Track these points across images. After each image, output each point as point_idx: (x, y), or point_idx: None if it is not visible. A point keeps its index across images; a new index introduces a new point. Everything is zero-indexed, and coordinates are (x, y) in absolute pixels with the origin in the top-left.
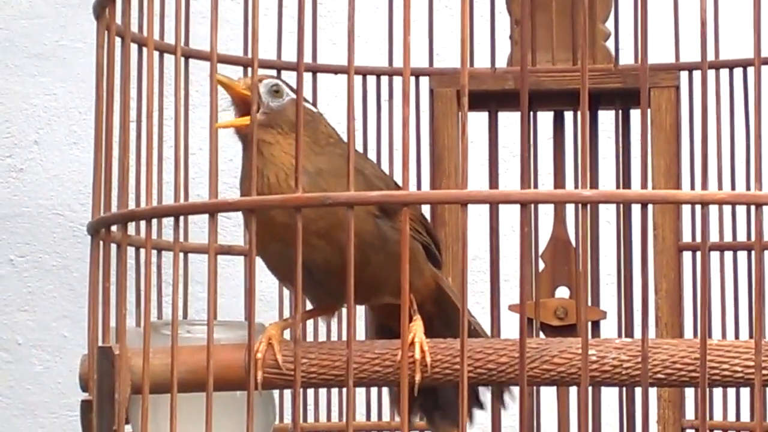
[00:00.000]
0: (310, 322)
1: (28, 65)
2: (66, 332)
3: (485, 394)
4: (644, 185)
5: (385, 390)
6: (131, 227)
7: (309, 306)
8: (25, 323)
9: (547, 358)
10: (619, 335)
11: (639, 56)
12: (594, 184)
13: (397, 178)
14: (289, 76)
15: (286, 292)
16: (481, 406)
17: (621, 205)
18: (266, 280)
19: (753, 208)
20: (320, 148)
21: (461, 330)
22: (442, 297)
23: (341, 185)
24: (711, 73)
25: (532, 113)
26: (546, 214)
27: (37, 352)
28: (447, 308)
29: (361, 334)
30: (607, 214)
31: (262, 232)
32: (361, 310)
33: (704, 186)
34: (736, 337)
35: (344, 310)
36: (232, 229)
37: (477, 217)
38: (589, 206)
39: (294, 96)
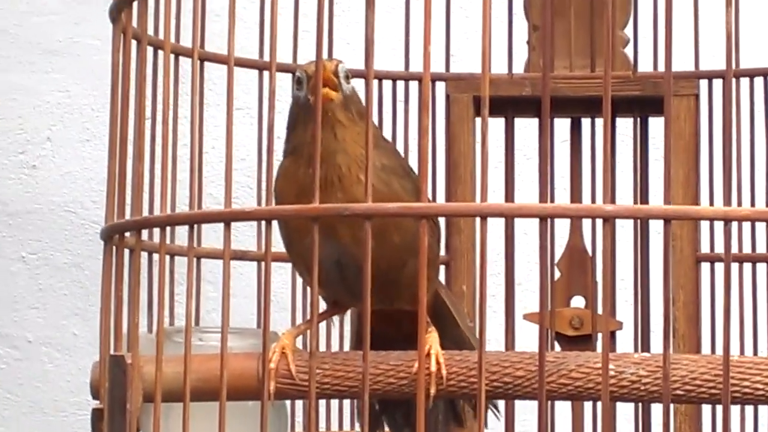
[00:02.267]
0: (322, 328)
1: (42, 61)
2: (76, 330)
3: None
4: (667, 200)
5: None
6: (144, 231)
7: (321, 305)
8: (36, 320)
9: (565, 372)
10: (635, 346)
11: (658, 63)
12: (613, 195)
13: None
14: None
15: (299, 294)
16: (459, 422)
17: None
18: (279, 281)
19: None
20: (379, 143)
21: (479, 341)
22: (438, 304)
23: (402, 185)
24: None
25: (549, 120)
26: (562, 223)
27: (47, 349)
28: (441, 317)
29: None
30: (622, 221)
31: (300, 226)
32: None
33: (727, 202)
34: (755, 351)
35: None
36: (245, 229)
37: (490, 221)
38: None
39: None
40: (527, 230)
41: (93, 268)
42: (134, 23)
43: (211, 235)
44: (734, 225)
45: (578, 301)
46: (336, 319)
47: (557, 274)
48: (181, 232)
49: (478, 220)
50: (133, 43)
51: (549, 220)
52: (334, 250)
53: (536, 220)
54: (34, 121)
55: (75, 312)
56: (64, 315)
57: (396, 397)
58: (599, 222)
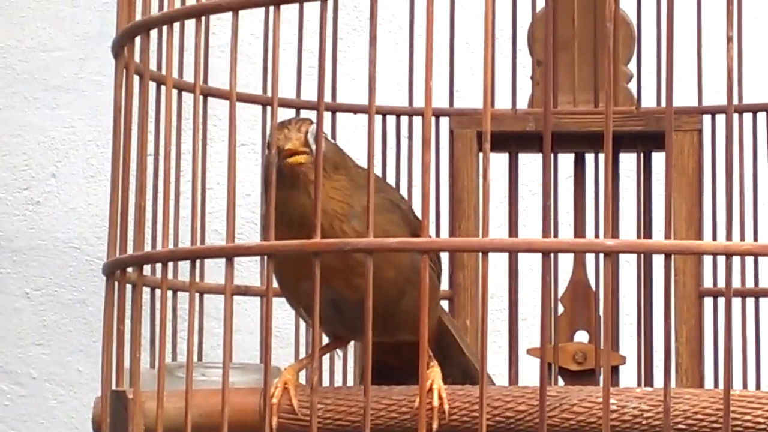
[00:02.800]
0: (325, 362)
1: (47, 98)
2: (80, 366)
3: None
4: (668, 236)
5: None
6: (146, 267)
7: (324, 339)
8: (40, 357)
9: (567, 406)
10: (639, 380)
11: (662, 98)
12: (615, 230)
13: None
14: (309, 115)
15: (302, 329)
16: None
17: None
18: (282, 317)
19: None
20: (358, 186)
21: (480, 376)
22: (441, 332)
23: (388, 220)
24: (734, 117)
25: (552, 155)
26: (566, 257)
27: (51, 386)
28: (446, 344)
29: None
30: (625, 256)
31: (297, 271)
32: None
33: (729, 237)
34: (758, 386)
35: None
36: (248, 264)
37: (494, 256)
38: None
39: (327, 138)
40: (532, 265)
41: (97, 304)
42: (137, 58)
43: (215, 271)
44: (736, 260)
45: (582, 336)
46: (339, 351)
47: (561, 309)
48: (184, 267)
49: (480, 255)
50: (136, 78)
51: (552, 255)
52: (329, 293)
53: (540, 254)
54: (39, 158)
55: (79, 348)
56: (69, 351)
57: None
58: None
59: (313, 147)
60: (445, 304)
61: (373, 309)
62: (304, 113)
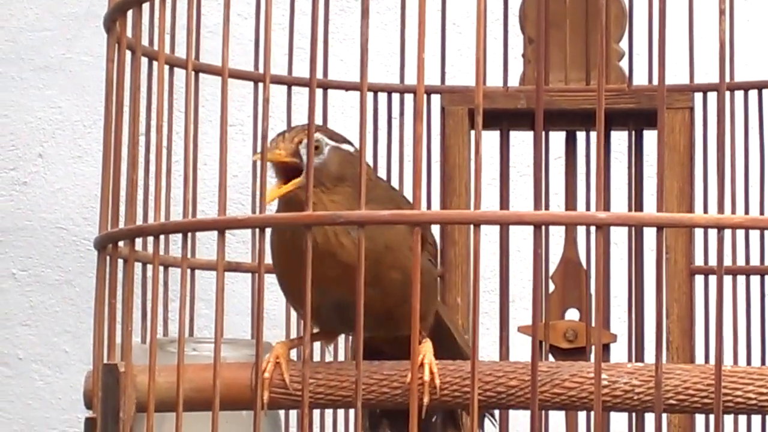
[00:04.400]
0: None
1: (34, 78)
2: (67, 347)
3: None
4: (660, 208)
5: None
6: (138, 242)
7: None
8: (27, 338)
9: (558, 381)
10: (630, 359)
11: (653, 77)
12: (607, 206)
13: (408, 195)
14: (300, 92)
15: (293, 311)
16: (457, 427)
17: (633, 228)
18: (273, 299)
19: None
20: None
21: (472, 350)
22: (439, 326)
23: (389, 229)
24: (726, 95)
25: (544, 133)
26: (557, 235)
27: (38, 367)
28: (441, 337)
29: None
30: (617, 236)
31: (290, 252)
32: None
33: (720, 210)
34: (748, 362)
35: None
36: (237, 245)
37: (483, 237)
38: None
39: (333, 143)
40: (521, 247)
41: (84, 285)
42: (129, 33)
43: (204, 252)
44: (728, 235)
45: (573, 314)
46: (328, 347)
47: (552, 287)
48: (176, 245)
49: (471, 228)
50: (128, 53)
51: (543, 227)
52: (332, 297)
53: (530, 235)
54: (26, 138)
55: (66, 329)
56: (56, 332)
57: (390, 407)
58: (594, 233)
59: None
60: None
61: (379, 310)
62: (296, 90)
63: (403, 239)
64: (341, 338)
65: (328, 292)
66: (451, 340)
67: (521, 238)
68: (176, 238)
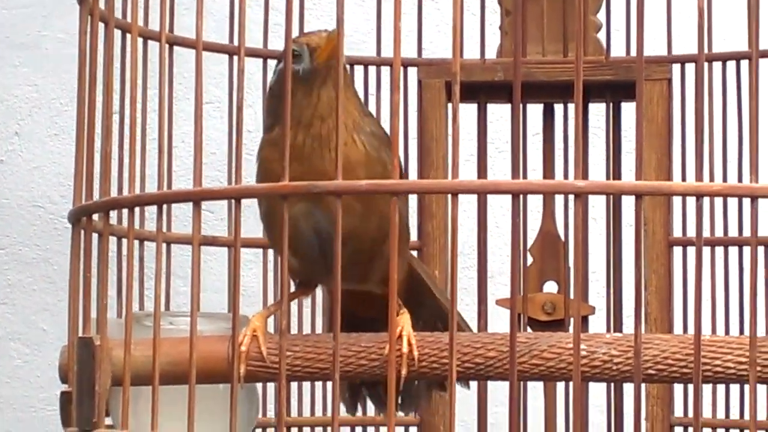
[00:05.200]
0: (293, 311)
1: (10, 56)
2: (45, 326)
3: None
4: (638, 177)
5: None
6: (113, 217)
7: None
8: (4, 316)
9: (537, 352)
10: (608, 331)
11: (631, 48)
12: (585, 177)
13: None
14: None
15: (270, 285)
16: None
17: (611, 199)
18: (249, 275)
19: (749, 200)
20: (364, 111)
21: (450, 323)
22: (413, 277)
23: (388, 153)
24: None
25: (521, 106)
26: (535, 210)
27: (16, 345)
28: (416, 288)
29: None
30: (594, 211)
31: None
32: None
33: (699, 178)
34: (726, 333)
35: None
36: (214, 223)
37: (461, 212)
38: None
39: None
40: (499, 222)
41: (62, 263)
42: (102, 5)
43: (181, 228)
44: (706, 204)
45: (551, 287)
46: (307, 301)
47: (530, 260)
48: (151, 221)
49: (449, 198)
50: (101, 26)
51: (521, 197)
52: (320, 219)
53: (508, 210)
54: (2, 116)
55: (44, 307)
56: (33, 311)
57: (368, 379)
58: (572, 205)
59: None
60: (414, 254)
61: (359, 251)
62: (271, 63)
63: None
64: (318, 312)
65: (317, 209)
66: (429, 294)
67: (499, 214)
68: (152, 214)
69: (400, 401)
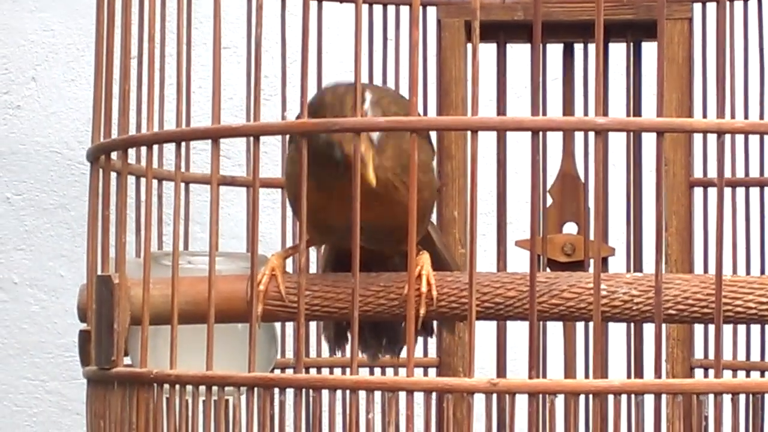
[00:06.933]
0: (312, 253)
1: (26, 1)
2: (63, 272)
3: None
4: (660, 114)
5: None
6: (132, 156)
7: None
8: (22, 262)
9: (557, 292)
10: (628, 270)
11: None
12: (605, 114)
13: None
14: (294, 4)
15: (288, 232)
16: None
17: (631, 138)
18: (267, 221)
19: None
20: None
21: (469, 260)
22: (428, 241)
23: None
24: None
25: (541, 46)
26: (554, 150)
27: (34, 291)
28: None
29: None
30: (614, 152)
31: (322, 203)
32: None
33: (720, 115)
34: (747, 274)
35: None
36: (232, 168)
37: (480, 156)
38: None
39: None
40: (517, 168)
41: (79, 208)
42: None
43: (198, 170)
44: (727, 143)
45: (571, 228)
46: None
47: (549, 201)
48: (170, 159)
49: (469, 134)
50: None
51: (541, 134)
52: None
53: (527, 153)
54: (19, 61)
55: (61, 253)
56: (51, 257)
57: (386, 319)
58: (591, 145)
59: (374, 139)
60: None
61: (391, 230)
62: (290, 2)
63: (427, 156)
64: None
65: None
66: (443, 261)
67: (516, 156)
68: (170, 152)
69: (384, 343)
